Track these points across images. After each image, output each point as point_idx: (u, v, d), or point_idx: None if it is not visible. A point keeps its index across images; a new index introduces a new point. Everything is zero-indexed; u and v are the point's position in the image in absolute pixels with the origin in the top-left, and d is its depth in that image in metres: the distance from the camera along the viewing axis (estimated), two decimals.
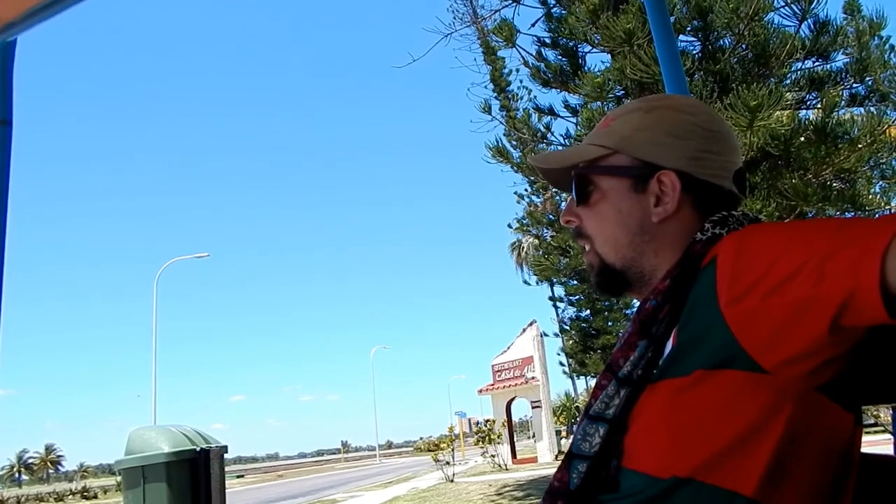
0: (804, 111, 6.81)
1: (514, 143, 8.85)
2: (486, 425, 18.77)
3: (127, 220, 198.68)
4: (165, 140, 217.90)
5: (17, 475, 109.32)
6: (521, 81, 9.78)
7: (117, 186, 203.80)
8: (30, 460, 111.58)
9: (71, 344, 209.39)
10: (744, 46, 6.58)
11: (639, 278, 0.87)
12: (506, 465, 18.59)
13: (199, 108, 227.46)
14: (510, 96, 9.86)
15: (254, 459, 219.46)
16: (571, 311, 20.84)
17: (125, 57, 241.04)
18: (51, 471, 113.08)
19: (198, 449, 4.15)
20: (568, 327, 20.10)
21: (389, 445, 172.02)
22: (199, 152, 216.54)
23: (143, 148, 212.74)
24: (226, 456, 4.55)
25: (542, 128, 8.48)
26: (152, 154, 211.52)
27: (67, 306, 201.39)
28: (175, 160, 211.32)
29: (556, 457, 19.87)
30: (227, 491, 4.49)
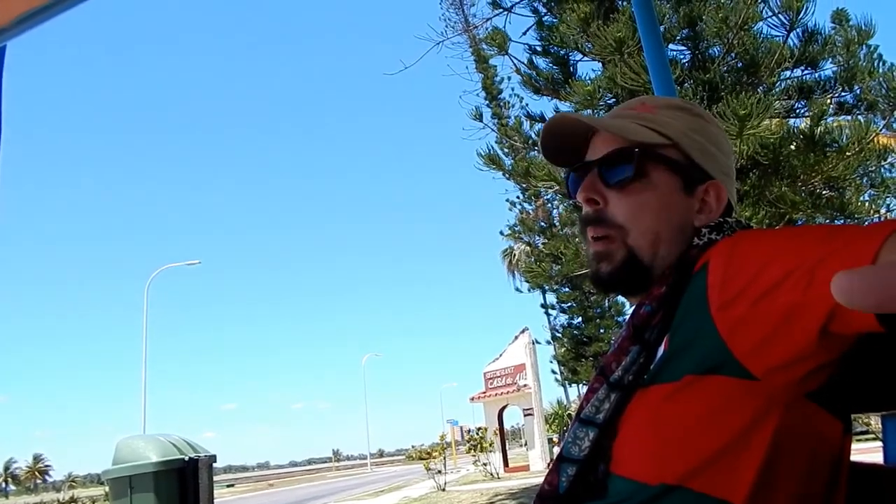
0: (793, 120, 6.87)
1: (505, 150, 8.88)
2: (477, 433, 18.68)
3: (118, 227, 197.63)
4: (157, 147, 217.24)
5: (3, 485, 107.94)
6: (512, 89, 9.84)
7: (107, 193, 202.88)
8: (17, 470, 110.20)
9: (59, 352, 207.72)
10: (733, 55, 6.63)
11: (658, 278, 0.84)
12: (497, 474, 18.50)
13: (191, 115, 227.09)
14: (502, 104, 9.90)
15: (244, 468, 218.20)
16: (563, 319, 20.89)
17: (115, 65, 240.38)
18: (38, 481, 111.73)
19: (186, 458, 4.11)
20: (560, 335, 20.13)
21: (381, 454, 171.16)
22: (192, 160, 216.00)
23: (133, 154, 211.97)
24: (216, 465, 4.52)
25: (533, 135, 8.51)
26: (143, 161, 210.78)
27: (57, 314, 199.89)
28: (167, 167, 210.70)
29: (548, 465, 19.77)
30: (216, 501, 4.46)
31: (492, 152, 8.44)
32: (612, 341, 0.82)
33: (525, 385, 20.40)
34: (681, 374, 0.70)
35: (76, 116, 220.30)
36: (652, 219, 0.84)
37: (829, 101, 6.61)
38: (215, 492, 4.52)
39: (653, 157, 0.85)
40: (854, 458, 0.78)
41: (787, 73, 6.77)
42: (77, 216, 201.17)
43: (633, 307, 0.82)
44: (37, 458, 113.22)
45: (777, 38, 6.45)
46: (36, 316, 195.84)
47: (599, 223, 0.86)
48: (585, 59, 7.74)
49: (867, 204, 6.84)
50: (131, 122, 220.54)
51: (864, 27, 6.27)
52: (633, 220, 0.84)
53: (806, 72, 6.75)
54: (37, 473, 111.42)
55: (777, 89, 6.86)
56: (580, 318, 19.48)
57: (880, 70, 6.15)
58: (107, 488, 4.47)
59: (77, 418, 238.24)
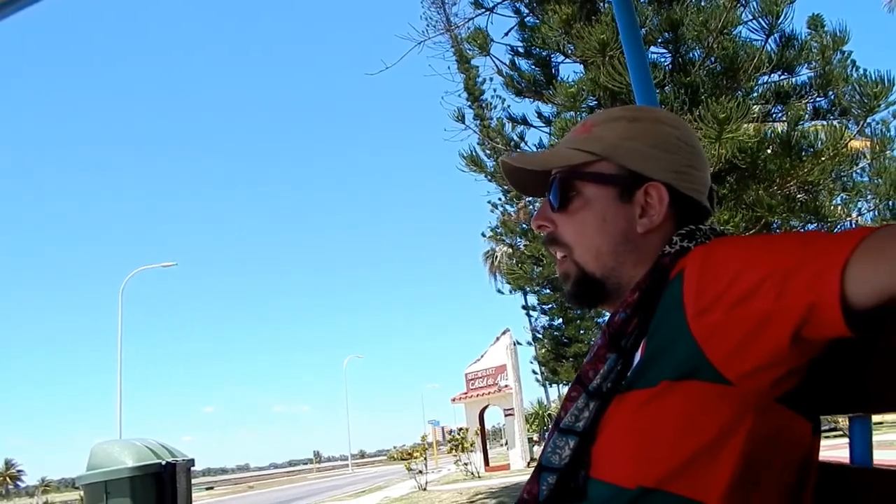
0: (771, 123, 6.97)
1: (487, 152, 8.89)
2: (459, 433, 18.73)
3: (91, 229, 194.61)
4: (133, 149, 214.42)
5: None
6: (494, 90, 9.85)
7: (79, 195, 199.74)
8: None
9: (32, 357, 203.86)
10: (713, 59, 6.71)
11: (616, 289, 0.87)
12: (478, 473, 18.53)
13: (167, 117, 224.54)
14: (484, 105, 9.92)
15: (224, 470, 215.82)
16: (544, 320, 20.91)
17: (88, 67, 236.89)
18: (10, 486, 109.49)
19: (163, 463, 4.04)
20: (541, 336, 20.16)
21: (362, 455, 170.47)
22: (169, 162, 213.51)
23: (108, 157, 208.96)
24: (195, 468, 4.46)
25: (515, 137, 8.53)
26: (117, 163, 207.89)
27: (29, 318, 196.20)
28: (142, 169, 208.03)
29: (529, 464, 19.89)
30: None
31: (474, 154, 8.45)
32: (590, 350, 0.83)
33: (506, 385, 20.45)
34: (657, 379, 0.71)
35: (50, 118, 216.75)
36: (591, 233, 0.87)
37: (805, 105, 6.71)
38: (194, 494, 4.47)
39: (580, 177, 0.89)
40: (822, 457, 0.80)
41: (765, 77, 6.87)
42: (49, 218, 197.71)
43: (609, 315, 0.84)
44: (8, 464, 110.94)
45: (756, 43, 6.54)
46: (7, 321, 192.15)
47: (553, 243, 0.92)
48: (567, 60, 7.77)
49: (839, 208, 6.96)
50: (106, 124, 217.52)
51: (838, 34, 6.37)
52: (576, 238, 0.89)
53: (783, 77, 6.85)
54: (8, 479, 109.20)
55: (755, 94, 6.95)
56: (561, 320, 19.55)
57: (854, 76, 6.25)
58: (82, 494, 4.39)
59: (52, 424, 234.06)
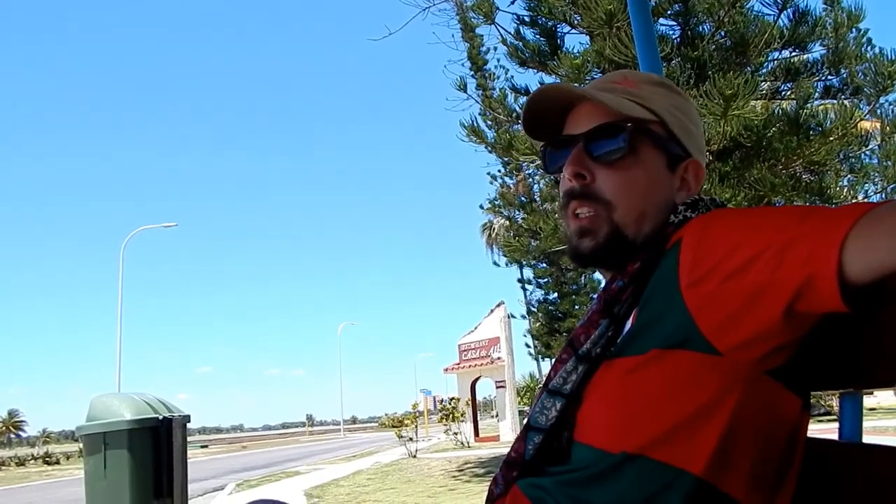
0: (778, 101, 6.81)
1: (489, 122, 8.75)
2: (450, 403, 18.89)
3: (95, 186, 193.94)
4: (138, 110, 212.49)
5: None
6: (498, 60, 9.68)
7: (83, 153, 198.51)
8: None
9: (36, 310, 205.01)
10: (723, 33, 6.53)
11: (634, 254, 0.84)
12: (468, 443, 18.76)
13: (173, 80, 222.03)
14: (487, 75, 9.76)
15: (218, 430, 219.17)
16: (539, 294, 21.01)
17: (91, 29, 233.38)
18: (13, 436, 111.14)
19: (160, 417, 4.12)
20: (535, 309, 20.26)
21: (354, 421, 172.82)
22: (173, 124, 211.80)
23: (114, 117, 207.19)
24: (190, 426, 4.57)
25: (517, 108, 8.38)
26: (122, 123, 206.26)
27: (33, 272, 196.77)
28: (146, 130, 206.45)
29: None
30: (190, 461, 4.48)
31: (475, 124, 8.30)
32: (584, 315, 0.82)
33: (499, 358, 20.56)
34: (647, 347, 0.71)
35: (58, 79, 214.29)
36: (639, 196, 0.82)
37: (815, 84, 6.56)
38: (189, 452, 4.54)
39: (641, 133, 0.83)
40: (811, 434, 0.79)
41: (775, 53, 6.70)
42: (53, 176, 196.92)
43: (606, 282, 0.83)
44: (11, 414, 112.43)
45: (768, 17, 6.35)
46: (10, 275, 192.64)
47: (585, 198, 0.83)
48: (573, 31, 7.60)
49: (845, 189, 6.86)
50: (114, 86, 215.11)
51: (854, 10, 6.19)
52: (620, 196, 0.82)
53: (794, 53, 6.68)
54: (11, 428, 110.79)
55: (764, 70, 6.79)
56: (556, 294, 19.64)
57: (869, 54, 6.08)
58: (81, 445, 4.49)
59: (52, 377, 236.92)
